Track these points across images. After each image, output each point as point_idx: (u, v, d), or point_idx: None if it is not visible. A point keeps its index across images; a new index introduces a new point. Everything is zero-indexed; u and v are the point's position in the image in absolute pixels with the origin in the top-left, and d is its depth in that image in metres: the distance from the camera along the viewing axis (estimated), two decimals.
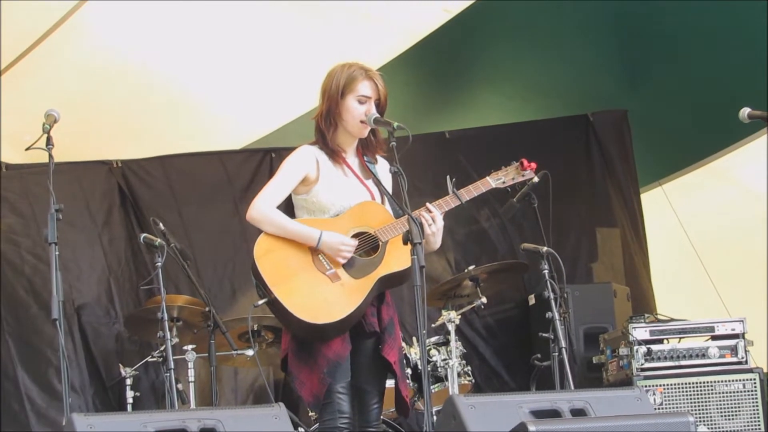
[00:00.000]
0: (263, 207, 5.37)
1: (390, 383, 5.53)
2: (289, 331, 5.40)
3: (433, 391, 7.24)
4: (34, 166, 8.18)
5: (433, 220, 5.40)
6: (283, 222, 5.37)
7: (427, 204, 5.43)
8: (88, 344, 8.46)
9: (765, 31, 7.86)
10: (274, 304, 5.27)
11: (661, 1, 8.25)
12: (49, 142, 5.44)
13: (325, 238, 5.33)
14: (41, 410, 8.22)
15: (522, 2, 8.50)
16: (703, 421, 7.31)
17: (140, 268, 8.64)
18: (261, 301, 5.32)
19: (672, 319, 7.81)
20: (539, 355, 7.01)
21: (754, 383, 7.39)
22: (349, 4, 8.36)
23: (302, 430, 6.91)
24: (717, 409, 7.37)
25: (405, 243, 5.04)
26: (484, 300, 7.40)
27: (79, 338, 8.43)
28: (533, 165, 5.77)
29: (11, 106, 8.46)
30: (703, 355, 7.54)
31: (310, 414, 7.17)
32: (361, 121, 5.43)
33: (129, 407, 7.56)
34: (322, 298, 5.26)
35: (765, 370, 7.62)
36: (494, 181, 5.68)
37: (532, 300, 8.75)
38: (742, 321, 7.60)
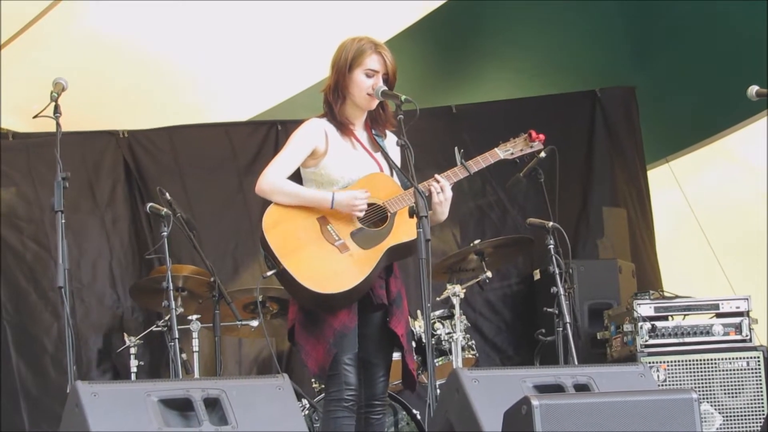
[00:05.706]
0: (274, 178, 5.38)
1: (396, 356, 5.54)
2: (297, 302, 5.41)
3: (437, 364, 7.24)
4: (41, 135, 8.15)
5: (442, 189, 5.41)
6: (295, 189, 5.39)
7: (436, 175, 5.44)
8: (86, 324, 8.47)
9: None
10: (283, 275, 5.28)
11: None
12: (56, 110, 5.45)
13: (338, 197, 5.35)
14: (34, 397, 8.25)
15: None
16: (707, 398, 7.32)
17: (143, 249, 8.58)
18: (270, 272, 5.32)
19: (677, 296, 7.82)
20: (543, 330, 7.01)
21: (758, 361, 7.40)
22: None
23: (306, 401, 6.92)
24: (720, 386, 7.38)
25: (411, 216, 5.06)
26: (489, 274, 7.37)
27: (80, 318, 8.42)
28: (542, 137, 5.76)
29: (19, 75, 8.44)
30: (708, 333, 7.54)
31: (314, 385, 7.18)
32: (368, 94, 5.43)
33: (133, 376, 7.57)
34: (331, 269, 5.26)
35: None
36: (503, 152, 5.68)
37: (537, 275, 8.75)
38: (747, 299, 7.61)
